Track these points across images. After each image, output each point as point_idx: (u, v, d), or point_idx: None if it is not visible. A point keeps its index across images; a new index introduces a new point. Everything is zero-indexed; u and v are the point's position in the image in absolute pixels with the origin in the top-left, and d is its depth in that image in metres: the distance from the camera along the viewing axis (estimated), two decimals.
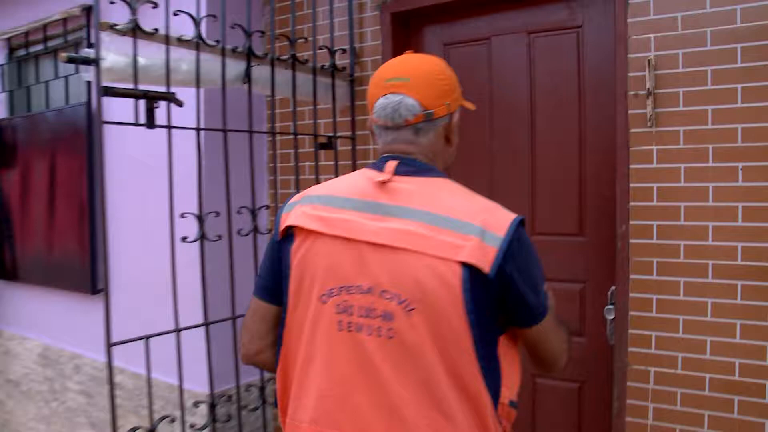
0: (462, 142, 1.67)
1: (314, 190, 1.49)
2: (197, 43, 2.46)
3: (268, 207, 2.88)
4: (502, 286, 1.32)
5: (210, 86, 2.63)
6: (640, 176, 2.56)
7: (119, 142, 3.47)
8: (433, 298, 1.30)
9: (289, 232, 1.44)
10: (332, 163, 3.14)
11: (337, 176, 2.98)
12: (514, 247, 1.31)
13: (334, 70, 3.08)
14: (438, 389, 1.32)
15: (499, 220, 1.33)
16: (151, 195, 2.93)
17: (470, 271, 1.28)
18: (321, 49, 3.04)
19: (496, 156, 3.13)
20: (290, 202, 1.49)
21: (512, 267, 1.31)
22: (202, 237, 2.49)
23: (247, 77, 2.69)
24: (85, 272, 4.10)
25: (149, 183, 3.19)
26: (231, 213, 2.60)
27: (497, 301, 1.34)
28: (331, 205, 1.41)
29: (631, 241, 2.58)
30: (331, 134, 3.10)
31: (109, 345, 2.18)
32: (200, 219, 2.49)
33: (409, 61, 1.48)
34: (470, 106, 1.58)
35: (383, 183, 1.38)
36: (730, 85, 2.38)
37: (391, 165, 1.40)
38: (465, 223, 1.31)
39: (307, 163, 3.43)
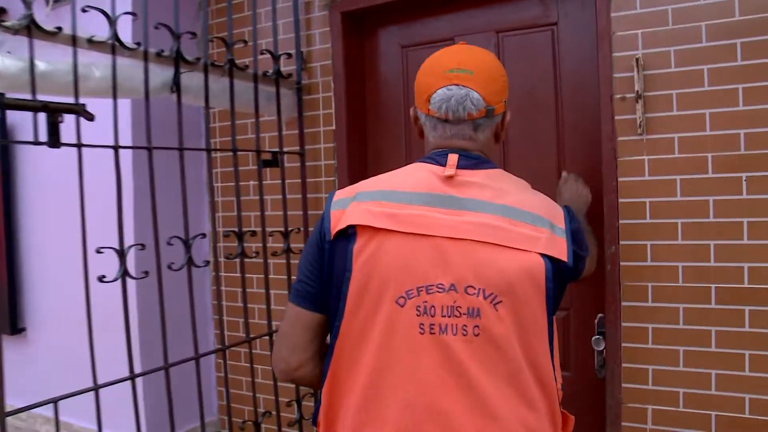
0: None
1: (368, 185, 1.41)
2: (113, 45, 2.06)
3: (204, 235, 2.46)
4: (575, 270, 1.39)
5: (131, 96, 2.23)
6: (631, 190, 2.25)
7: (40, 162, 3.03)
8: (520, 289, 1.29)
9: (349, 232, 1.33)
10: (278, 181, 2.76)
11: (284, 197, 2.62)
12: (574, 234, 1.40)
13: (278, 77, 2.71)
14: (524, 381, 1.31)
15: (557, 212, 1.41)
16: (76, 223, 2.51)
17: (551, 261, 1.31)
18: (263, 53, 2.66)
19: None
20: (338, 198, 1.41)
21: (576, 249, 1.39)
22: (124, 274, 2.08)
23: (176, 85, 2.29)
24: (2, 309, 3.61)
25: (74, 209, 2.76)
26: (159, 244, 2.19)
27: (566, 284, 1.40)
28: (398, 201, 1.35)
29: (622, 263, 2.27)
30: (276, 150, 2.72)
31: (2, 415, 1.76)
32: (121, 254, 2.08)
33: (470, 52, 1.45)
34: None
35: (450, 177, 1.36)
36: (729, 85, 2.09)
37: (453, 158, 1.39)
38: (537, 216, 1.35)
39: (252, 183, 3.04)
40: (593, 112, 2.39)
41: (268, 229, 2.72)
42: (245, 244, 2.54)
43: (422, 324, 1.30)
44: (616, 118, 2.26)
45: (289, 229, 2.76)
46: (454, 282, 1.30)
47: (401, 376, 1.31)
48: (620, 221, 2.27)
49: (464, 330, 1.29)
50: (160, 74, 2.27)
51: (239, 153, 2.75)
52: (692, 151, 2.15)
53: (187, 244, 2.29)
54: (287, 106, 2.82)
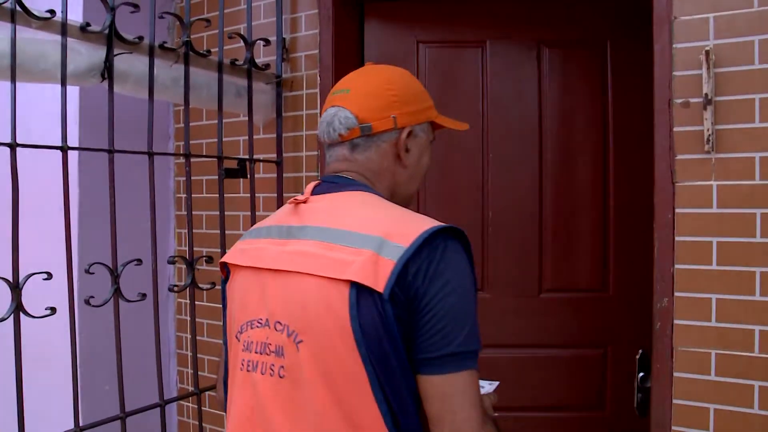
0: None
1: (259, 223, 1.32)
2: (12, 12, 1.52)
3: (140, 261, 1.90)
4: (405, 311, 1.05)
5: (43, 80, 1.70)
6: (692, 226, 1.66)
7: None
8: (319, 326, 1.07)
9: (227, 270, 1.29)
10: (248, 195, 2.20)
11: (253, 213, 2.08)
12: (423, 259, 1.05)
13: (251, 68, 2.15)
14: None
15: (410, 228, 1.08)
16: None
17: (359, 291, 1.04)
18: (232, 37, 2.11)
19: (494, 191, 2.30)
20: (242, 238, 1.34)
21: (421, 284, 1.04)
22: (17, 308, 1.54)
23: (107, 71, 1.75)
24: None
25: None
26: (70, 273, 1.65)
27: (401, 330, 1.05)
28: (256, 236, 1.27)
29: (677, 322, 1.68)
30: (245, 157, 2.16)
31: None
32: (15, 288, 1.54)
33: (361, 71, 1.34)
34: (454, 124, 1.37)
35: (297, 204, 1.21)
36: None
37: (310, 186, 1.24)
38: (363, 236, 1.08)
39: (225, 195, 2.49)
40: (644, 121, 1.79)
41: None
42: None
43: (243, 360, 1.19)
44: (676, 129, 1.67)
45: None
46: (268, 317, 1.16)
47: (230, 414, 1.24)
48: (676, 266, 1.67)
49: (272, 369, 1.14)
50: (88, 55, 1.73)
51: (206, 160, 2.23)
52: None
53: (114, 274, 1.73)
54: (264, 104, 2.27)
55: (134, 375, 2.01)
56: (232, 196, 2.44)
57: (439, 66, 2.35)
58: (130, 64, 1.84)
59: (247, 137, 2.19)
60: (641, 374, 1.98)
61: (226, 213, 2.39)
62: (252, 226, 2.14)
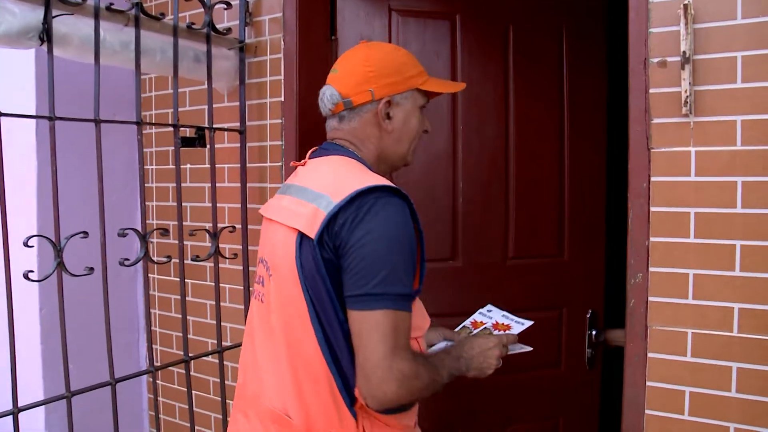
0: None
1: None
2: None
3: (126, 233, 1.78)
4: (333, 254, 1.26)
5: None
6: (668, 196, 1.52)
7: None
8: (280, 263, 1.33)
9: None
10: (206, 166, 2.06)
11: (213, 185, 1.96)
12: (350, 211, 1.24)
13: (210, 32, 2.01)
14: (281, 352, 1.34)
15: (349, 186, 1.26)
16: None
17: (302, 237, 1.28)
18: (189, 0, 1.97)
19: (465, 163, 2.26)
20: None
21: (346, 233, 1.24)
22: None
23: (46, 33, 1.61)
24: None
25: None
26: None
27: (330, 270, 1.26)
28: (277, 192, 1.52)
29: (651, 299, 1.54)
30: (204, 125, 2.03)
31: None
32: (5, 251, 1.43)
33: (350, 51, 1.50)
34: (444, 87, 1.54)
35: (297, 167, 1.51)
36: None
37: (310, 151, 1.49)
38: (315, 193, 1.31)
39: (188, 166, 2.36)
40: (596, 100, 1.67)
41: (192, 224, 2.04)
42: (188, 243, 1.89)
43: (253, 289, 1.51)
44: (652, 91, 1.52)
45: (221, 226, 2.07)
46: (264, 257, 1.44)
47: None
48: (651, 239, 1.53)
49: (260, 295, 1.43)
50: (22, 15, 1.59)
51: (170, 129, 2.10)
52: (764, 141, 1.41)
53: (57, 248, 1.61)
54: (227, 70, 2.13)
55: (102, 351, 1.90)
56: (197, 167, 2.31)
57: (411, 35, 2.21)
58: (73, 26, 1.70)
59: (215, 105, 2.05)
60: (592, 332, 2.31)
61: (191, 184, 2.28)
62: (215, 194, 2.04)
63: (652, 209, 1.53)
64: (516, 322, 1.63)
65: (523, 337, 1.56)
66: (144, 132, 2.48)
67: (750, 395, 1.44)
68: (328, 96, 1.43)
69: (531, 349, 1.57)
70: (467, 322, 1.69)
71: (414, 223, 1.29)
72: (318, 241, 1.24)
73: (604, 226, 2.37)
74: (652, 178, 1.53)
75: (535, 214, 2.32)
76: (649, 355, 1.54)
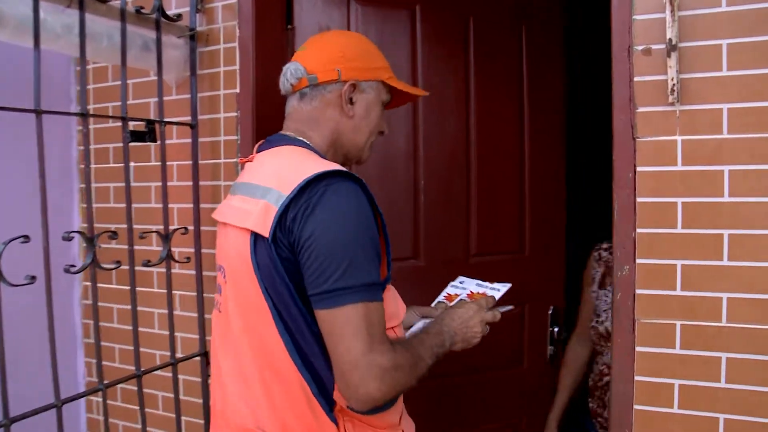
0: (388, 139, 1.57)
1: None
2: None
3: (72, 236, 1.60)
4: (289, 251, 1.16)
5: None
6: (655, 186, 1.48)
7: None
8: (236, 267, 1.24)
9: None
10: (159, 163, 1.89)
11: (164, 183, 1.80)
12: (301, 203, 1.15)
13: (160, 17, 1.85)
14: (246, 362, 1.24)
15: (297, 175, 1.16)
16: None
17: (256, 236, 1.19)
18: None
19: (426, 159, 2.14)
20: None
21: (298, 226, 1.14)
22: None
23: None
24: None
25: None
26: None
27: (289, 268, 1.17)
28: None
29: (639, 291, 1.50)
30: (153, 119, 1.86)
31: None
32: None
33: (320, 33, 1.51)
34: (408, 89, 1.45)
35: (244, 163, 1.43)
36: None
37: (257, 145, 1.40)
38: (263, 188, 1.22)
39: (132, 164, 2.17)
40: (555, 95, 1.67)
41: (142, 227, 1.87)
42: (136, 247, 1.72)
43: (215, 300, 1.39)
44: (636, 79, 1.48)
45: (173, 228, 1.91)
46: (220, 262, 1.35)
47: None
48: (638, 230, 1.49)
49: (219, 305, 1.34)
50: None
51: (112, 126, 1.91)
52: (750, 129, 1.39)
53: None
54: (176, 60, 1.97)
55: (39, 368, 1.70)
56: (142, 165, 2.13)
57: (370, 25, 2.12)
58: (9, 5, 1.52)
59: (157, 99, 1.89)
60: (554, 329, 2.30)
61: (135, 184, 2.10)
62: (166, 193, 1.88)
63: (639, 200, 1.49)
64: (491, 288, 1.57)
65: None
66: (77, 127, 2.28)
67: (739, 385, 1.42)
68: (291, 71, 1.36)
69: (512, 307, 1.54)
70: (441, 297, 1.63)
71: (372, 206, 1.20)
72: (272, 239, 1.15)
73: (565, 221, 2.36)
74: (638, 168, 1.49)
75: (497, 210, 2.28)
76: (637, 348, 1.50)
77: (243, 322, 1.24)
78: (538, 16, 2.28)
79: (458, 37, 2.20)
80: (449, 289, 1.63)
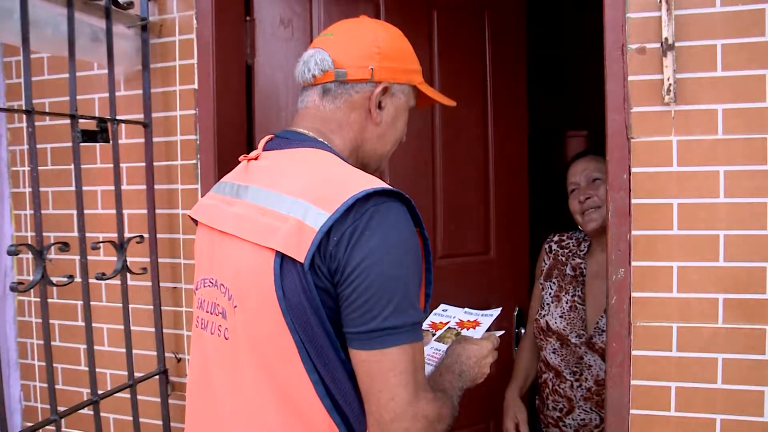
0: None
1: (225, 176, 1.23)
2: None
3: None
4: (328, 281, 0.99)
5: None
6: (650, 187, 1.45)
7: None
8: (250, 294, 1.03)
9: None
10: (106, 165, 1.71)
11: (117, 188, 1.63)
12: (349, 224, 0.97)
13: (110, 6, 1.66)
14: (265, 402, 1.04)
15: (339, 192, 0.99)
16: None
17: (283, 260, 0.99)
18: None
19: (392, 159, 2.00)
20: None
21: (343, 254, 0.97)
22: None
23: None
24: None
25: None
26: None
27: (326, 301, 1.00)
28: (216, 190, 1.22)
29: (634, 294, 1.47)
30: (106, 117, 1.68)
31: None
32: None
33: (353, 19, 1.24)
34: (439, 97, 1.29)
35: (248, 161, 1.16)
36: None
37: (264, 140, 1.18)
38: (292, 201, 1.01)
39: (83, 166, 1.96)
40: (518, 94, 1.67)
41: (88, 236, 1.69)
42: (89, 258, 1.51)
43: (197, 317, 1.17)
44: (631, 78, 1.45)
45: (127, 237, 1.74)
46: (217, 277, 1.12)
47: (188, 371, 1.24)
48: (633, 232, 1.46)
49: (219, 330, 1.10)
50: None
51: (51, 123, 1.71)
52: (745, 130, 1.39)
53: None
54: (126, 52, 1.79)
55: None
56: (86, 167, 1.93)
57: (333, 16, 2.01)
58: None
59: (104, 94, 1.71)
60: (520, 330, 2.24)
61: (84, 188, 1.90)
62: (116, 201, 1.70)
63: (634, 201, 1.46)
64: (483, 315, 1.50)
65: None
66: (10, 126, 2.05)
67: (736, 385, 1.42)
68: (317, 60, 1.15)
69: (504, 332, 1.48)
70: (425, 327, 1.51)
71: (417, 228, 1.07)
72: (310, 265, 0.97)
73: (528, 220, 2.33)
74: (633, 169, 1.45)
75: (463, 210, 2.23)
76: (633, 353, 1.47)
77: (257, 357, 1.04)
78: (501, 2, 2.23)
79: (423, 30, 2.12)
80: (433, 318, 1.53)
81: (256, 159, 1.15)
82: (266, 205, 1.05)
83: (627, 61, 1.45)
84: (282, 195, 1.04)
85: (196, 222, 1.24)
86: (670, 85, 1.40)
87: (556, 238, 2.04)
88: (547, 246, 2.05)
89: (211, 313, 1.13)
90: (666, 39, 1.39)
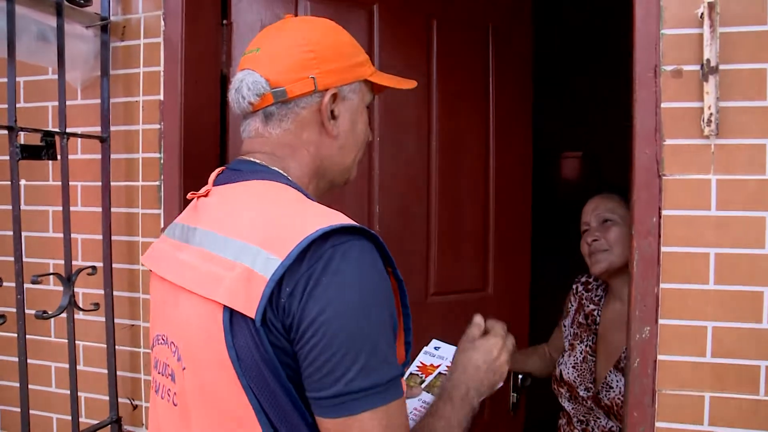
0: None
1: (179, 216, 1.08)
2: None
3: None
4: (284, 338, 0.83)
5: None
6: (683, 233, 1.23)
7: None
8: (199, 354, 0.88)
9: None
10: (59, 183, 1.48)
11: (65, 210, 1.41)
12: (303, 270, 0.82)
13: (62, 2, 1.43)
14: None
15: (293, 231, 0.83)
16: None
17: (233, 314, 0.83)
18: None
19: (382, 181, 1.84)
20: None
21: (298, 306, 0.81)
22: None
23: None
24: None
25: None
26: None
27: (283, 359, 0.84)
28: (168, 234, 1.06)
29: (661, 357, 1.25)
30: (53, 129, 1.45)
31: None
32: None
33: (274, 26, 1.06)
34: (396, 82, 1.10)
35: (198, 198, 1.01)
36: None
37: (215, 173, 1.03)
38: (240, 245, 0.87)
39: (24, 182, 1.72)
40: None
41: (34, 262, 1.45)
42: (28, 286, 1.29)
43: (153, 380, 1.02)
44: (664, 106, 1.23)
45: (78, 267, 1.50)
46: (167, 334, 0.97)
47: None
48: (661, 285, 1.24)
49: (168, 395, 0.96)
50: None
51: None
52: None
53: None
54: (82, 55, 1.56)
55: None
56: (35, 184, 1.70)
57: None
58: None
59: (57, 103, 1.47)
60: (518, 375, 1.97)
61: (27, 208, 1.67)
62: (69, 223, 1.48)
63: (663, 249, 1.24)
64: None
65: None
66: None
67: None
68: (248, 85, 0.98)
69: None
70: (413, 368, 1.28)
71: (388, 268, 0.89)
72: (261, 320, 0.81)
73: (530, 254, 2.11)
74: (664, 212, 1.24)
75: (459, 242, 2.00)
76: (658, 424, 1.25)
77: (211, 425, 0.89)
78: (505, 15, 2.02)
79: (420, 41, 1.91)
80: (423, 358, 1.30)
81: (206, 196, 0.99)
82: (212, 250, 0.90)
83: (660, 85, 1.23)
84: (228, 238, 0.89)
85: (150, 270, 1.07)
86: (711, 114, 1.18)
87: (583, 280, 1.84)
88: (574, 287, 1.86)
89: (163, 375, 0.98)
90: (708, 60, 1.18)
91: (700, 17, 1.19)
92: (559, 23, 3.50)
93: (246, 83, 0.99)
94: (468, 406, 1.03)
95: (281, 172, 0.99)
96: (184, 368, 0.92)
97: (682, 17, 1.22)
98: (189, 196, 1.01)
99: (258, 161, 1.00)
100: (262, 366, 0.83)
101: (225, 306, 0.83)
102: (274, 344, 0.83)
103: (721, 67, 1.19)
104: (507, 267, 2.06)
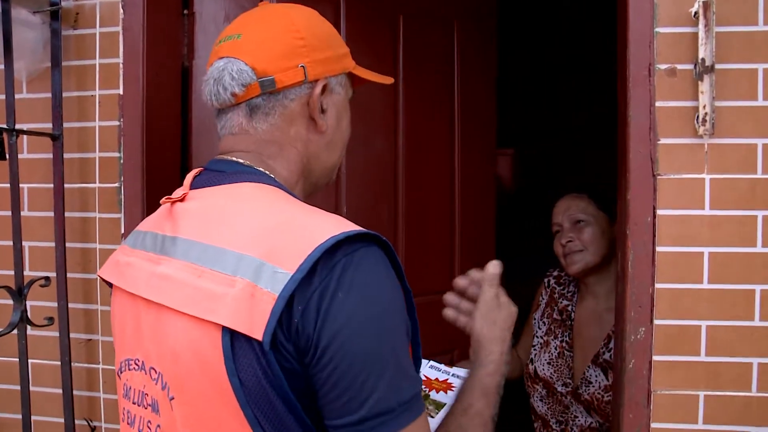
0: None
1: (141, 223, 0.96)
2: None
3: None
4: (296, 361, 0.73)
5: None
6: (678, 233, 1.22)
7: None
8: (193, 383, 0.77)
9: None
10: (6, 185, 1.32)
11: (15, 216, 1.25)
12: (316, 285, 0.72)
13: None
14: None
15: (300, 240, 0.74)
16: None
17: (233, 336, 0.73)
18: None
19: (349, 180, 1.74)
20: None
21: (313, 326, 0.72)
22: None
23: None
24: None
25: None
26: None
27: (296, 384, 0.74)
28: (132, 244, 0.92)
29: (656, 358, 1.23)
30: (1, 126, 1.29)
31: None
32: None
33: (254, 11, 0.94)
34: (376, 77, 1.00)
35: (172, 203, 0.87)
36: None
37: (191, 175, 0.90)
38: (239, 256, 0.75)
39: None
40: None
41: None
42: None
43: (123, 409, 0.89)
44: (658, 105, 1.20)
45: (30, 279, 1.34)
46: (144, 358, 0.84)
47: None
48: (656, 285, 1.22)
49: (149, 428, 0.84)
50: None
51: None
52: None
53: None
54: (30, 44, 1.40)
55: None
56: None
57: None
58: None
59: (3, 96, 1.31)
60: None
61: None
62: (20, 230, 1.32)
63: (658, 249, 1.21)
64: (453, 375, 1.21)
65: None
66: None
67: None
68: (232, 73, 0.86)
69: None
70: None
71: (398, 277, 0.82)
72: (270, 343, 0.71)
73: (495, 254, 2.07)
74: (658, 211, 1.21)
75: (426, 241, 1.94)
76: (653, 425, 1.23)
77: None
78: (471, 12, 1.97)
79: (387, 36, 1.83)
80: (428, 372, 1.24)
81: (182, 200, 0.86)
82: (204, 264, 0.78)
83: (654, 84, 1.20)
84: (221, 248, 0.78)
85: (110, 284, 0.94)
86: (705, 114, 1.16)
87: (555, 273, 1.82)
88: (546, 280, 1.84)
89: (139, 405, 0.86)
90: (703, 60, 1.16)
91: (694, 16, 1.17)
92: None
93: (228, 72, 0.87)
94: (492, 384, 0.97)
95: (267, 173, 0.89)
96: (171, 398, 0.80)
97: (676, 15, 1.19)
98: (163, 200, 0.88)
99: (242, 161, 0.89)
100: (271, 394, 0.74)
101: (224, 327, 0.73)
102: (284, 368, 0.73)
103: (722, 66, 1.17)
104: (474, 266, 2.01)
